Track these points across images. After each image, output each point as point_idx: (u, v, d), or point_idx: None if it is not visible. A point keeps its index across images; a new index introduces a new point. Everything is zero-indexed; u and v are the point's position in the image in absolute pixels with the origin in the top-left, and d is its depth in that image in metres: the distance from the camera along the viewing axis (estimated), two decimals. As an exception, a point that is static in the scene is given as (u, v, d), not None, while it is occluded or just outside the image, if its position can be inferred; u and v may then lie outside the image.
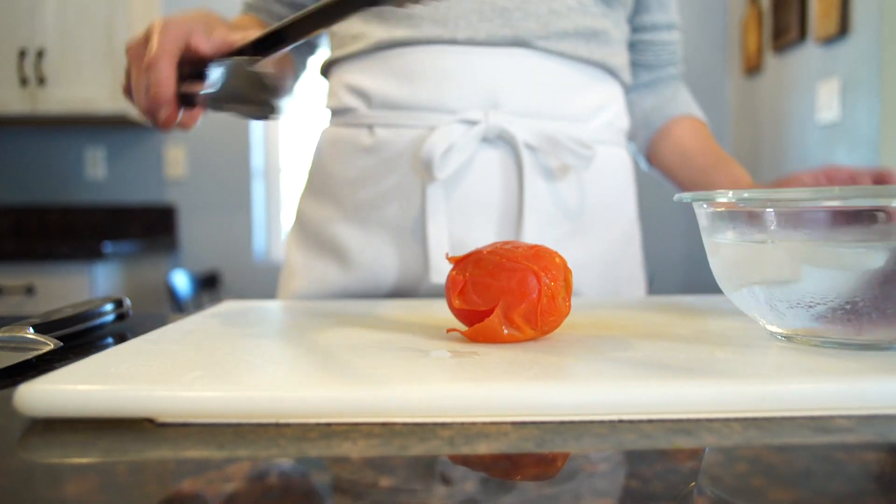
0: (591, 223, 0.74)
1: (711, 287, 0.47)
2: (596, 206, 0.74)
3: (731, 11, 3.15)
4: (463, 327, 0.43)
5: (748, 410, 0.31)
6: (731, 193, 0.40)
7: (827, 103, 2.31)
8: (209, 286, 2.64)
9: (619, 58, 0.76)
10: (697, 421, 0.31)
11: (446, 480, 0.25)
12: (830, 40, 2.26)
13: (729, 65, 3.18)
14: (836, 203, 0.38)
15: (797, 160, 2.55)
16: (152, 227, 2.78)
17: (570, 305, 0.43)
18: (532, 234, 0.69)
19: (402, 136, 0.70)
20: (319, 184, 0.75)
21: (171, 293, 2.31)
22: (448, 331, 0.44)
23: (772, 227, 0.39)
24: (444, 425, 0.31)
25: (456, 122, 0.67)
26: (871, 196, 0.38)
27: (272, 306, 0.60)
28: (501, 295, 0.41)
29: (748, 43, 2.91)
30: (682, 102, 0.86)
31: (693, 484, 0.25)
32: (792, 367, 0.35)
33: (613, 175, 0.76)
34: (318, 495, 0.24)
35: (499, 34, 0.68)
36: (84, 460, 0.28)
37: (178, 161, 2.79)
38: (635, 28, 0.82)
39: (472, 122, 0.68)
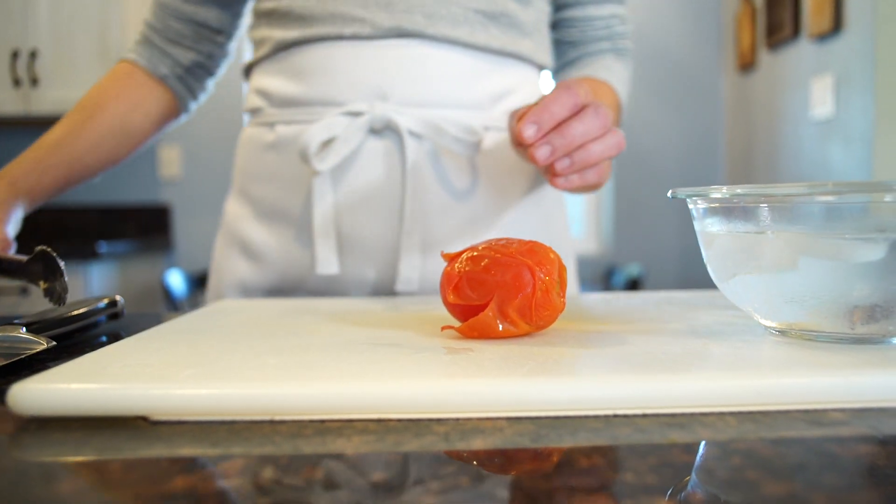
0: (489, 211, 0.73)
1: (704, 282, 0.47)
2: (494, 194, 0.73)
3: (724, 8, 3.16)
4: (457, 324, 0.43)
5: (743, 404, 0.31)
6: (724, 189, 0.40)
7: (820, 99, 2.31)
8: (204, 285, 2.64)
9: (528, 41, 0.74)
10: (692, 415, 0.31)
11: (441, 476, 0.25)
12: (824, 37, 2.27)
13: (723, 61, 3.19)
14: (829, 198, 0.38)
15: (791, 156, 2.55)
16: (147, 226, 2.78)
17: (564, 301, 0.43)
18: (418, 223, 0.69)
19: (297, 132, 0.71)
20: (237, 182, 0.77)
21: (166, 292, 2.30)
22: (443, 328, 0.44)
23: (766, 221, 0.39)
24: (439, 421, 0.31)
25: (340, 114, 0.68)
26: (864, 191, 0.38)
27: (266, 304, 0.60)
28: (496, 289, 0.41)
29: (742, 39, 2.91)
30: (599, 69, 0.79)
31: (688, 477, 0.25)
32: (786, 361, 0.35)
33: (516, 163, 0.74)
34: (314, 492, 0.24)
35: (384, 27, 0.68)
36: (78, 459, 0.28)
37: (172, 161, 2.79)
38: (559, 5, 0.80)
39: (358, 114, 0.68)
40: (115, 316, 0.56)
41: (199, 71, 0.82)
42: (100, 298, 0.55)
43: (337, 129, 0.67)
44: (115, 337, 0.53)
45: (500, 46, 0.71)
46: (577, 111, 0.53)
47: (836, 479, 0.25)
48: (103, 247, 2.13)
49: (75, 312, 0.51)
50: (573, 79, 0.56)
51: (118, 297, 0.58)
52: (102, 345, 0.45)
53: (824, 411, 0.31)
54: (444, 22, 0.69)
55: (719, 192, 0.40)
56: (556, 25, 0.81)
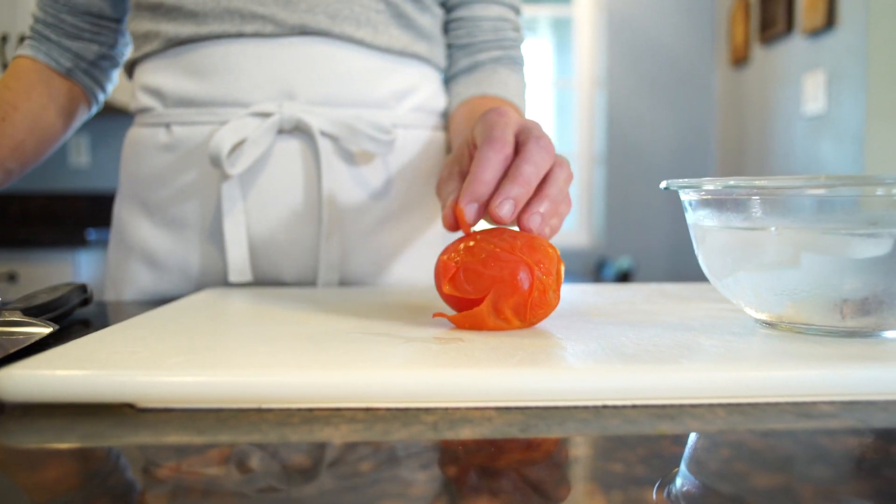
0: (404, 207, 0.73)
1: (694, 276, 0.47)
2: (408, 190, 0.73)
3: (718, 3, 3.16)
4: (450, 311, 0.43)
5: (732, 396, 0.31)
6: (717, 181, 0.40)
7: (813, 95, 2.32)
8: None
9: (426, 44, 0.73)
10: (681, 407, 0.31)
11: (429, 466, 0.25)
12: (817, 32, 2.27)
13: (716, 56, 3.19)
14: (821, 192, 0.38)
15: (782, 152, 2.56)
16: (137, 214, 2.76)
17: (559, 298, 0.42)
18: (336, 225, 0.68)
19: (198, 133, 0.68)
20: (125, 186, 0.74)
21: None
22: (434, 315, 0.43)
23: (759, 214, 0.39)
24: (427, 410, 0.31)
25: (248, 115, 0.66)
26: (858, 185, 0.38)
27: (252, 293, 0.60)
28: (493, 284, 0.40)
29: (735, 34, 2.92)
30: (494, 83, 0.76)
31: (676, 469, 0.25)
32: (776, 354, 0.35)
33: (425, 158, 0.74)
34: (300, 481, 0.24)
35: (288, 24, 0.66)
36: (62, 446, 0.27)
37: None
38: (448, 8, 0.78)
39: (266, 115, 0.66)
40: (84, 302, 0.56)
41: (105, 63, 0.79)
42: (68, 284, 0.55)
43: (246, 131, 0.65)
44: (85, 323, 0.53)
45: (402, 48, 0.71)
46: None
47: (824, 471, 0.25)
48: (92, 234, 2.12)
49: (58, 296, 0.51)
50: (497, 113, 0.47)
51: (88, 284, 0.58)
52: (86, 332, 0.45)
53: (813, 404, 0.31)
54: (348, 22, 0.68)
55: (713, 184, 0.40)
56: (445, 28, 0.79)
